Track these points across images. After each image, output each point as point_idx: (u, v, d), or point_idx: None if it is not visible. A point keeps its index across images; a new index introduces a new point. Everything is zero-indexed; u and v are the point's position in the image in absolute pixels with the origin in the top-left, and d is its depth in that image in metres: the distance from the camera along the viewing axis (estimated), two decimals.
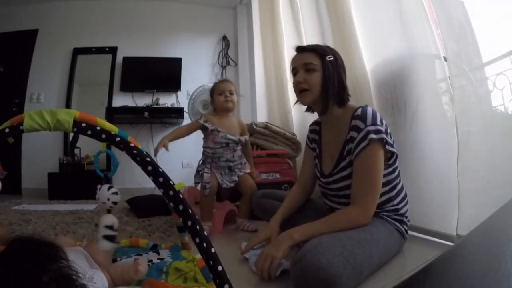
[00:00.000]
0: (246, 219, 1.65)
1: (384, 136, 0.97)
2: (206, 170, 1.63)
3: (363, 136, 0.98)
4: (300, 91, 1.10)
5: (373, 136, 0.96)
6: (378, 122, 0.99)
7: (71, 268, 0.52)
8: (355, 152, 0.99)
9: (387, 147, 0.98)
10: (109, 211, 0.87)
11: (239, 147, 1.70)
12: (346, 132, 1.05)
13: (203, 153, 1.72)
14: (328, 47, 1.13)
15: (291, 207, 1.21)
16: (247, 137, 1.75)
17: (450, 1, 1.19)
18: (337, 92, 1.07)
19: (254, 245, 1.08)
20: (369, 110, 1.01)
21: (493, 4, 1.19)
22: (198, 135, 1.80)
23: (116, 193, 0.88)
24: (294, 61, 1.13)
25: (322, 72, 1.06)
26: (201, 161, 1.72)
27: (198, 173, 1.67)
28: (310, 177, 1.25)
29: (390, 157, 1.02)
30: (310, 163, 1.26)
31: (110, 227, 0.82)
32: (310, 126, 1.29)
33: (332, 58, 1.07)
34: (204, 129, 1.67)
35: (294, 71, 1.12)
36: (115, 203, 0.87)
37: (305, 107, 1.20)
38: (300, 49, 1.13)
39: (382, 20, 1.49)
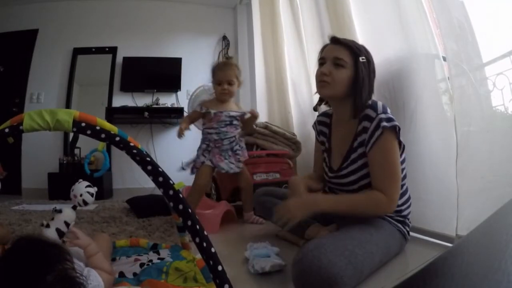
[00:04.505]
0: (252, 212, 1.66)
1: (397, 123, 0.96)
2: (205, 154, 1.60)
3: (376, 125, 0.96)
4: (321, 81, 1.06)
5: (385, 124, 0.95)
6: (389, 112, 0.98)
7: (75, 270, 0.52)
8: (370, 142, 0.98)
9: (400, 138, 0.97)
10: (74, 208, 0.83)
11: (239, 125, 1.68)
12: (356, 125, 1.04)
13: (204, 137, 1.66)
14: (363, 47, 1.07)
15: (315, 177, 1.22)
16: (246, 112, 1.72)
17: (450, 1, 1.18)
18: (367, 96, 1.03)
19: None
20: (379, 102, 1.02)
21: (493, 4, 1.19)
22: (197, 135, 1.79)
23: (92, 194, 0.83)
24: (325, 51, 1.08)
25: (352, 73, 1.02)
26: (200, 148, 1.66)
27: (195, 161, 1.64)
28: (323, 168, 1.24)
29: (401, 150, 1.01)
30: (320, 154, 1.24)
31: (67, 224, 0.79)
32: (318, 116, 1.26)
33: (365, 60, 1.02)
34: (205, 114, 1.63)
35: (322, 62, 1.07)
36: (85, 203, 0.83)
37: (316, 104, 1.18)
38: (335, 41, 1.07)
39: (382, 20, 1.49)
